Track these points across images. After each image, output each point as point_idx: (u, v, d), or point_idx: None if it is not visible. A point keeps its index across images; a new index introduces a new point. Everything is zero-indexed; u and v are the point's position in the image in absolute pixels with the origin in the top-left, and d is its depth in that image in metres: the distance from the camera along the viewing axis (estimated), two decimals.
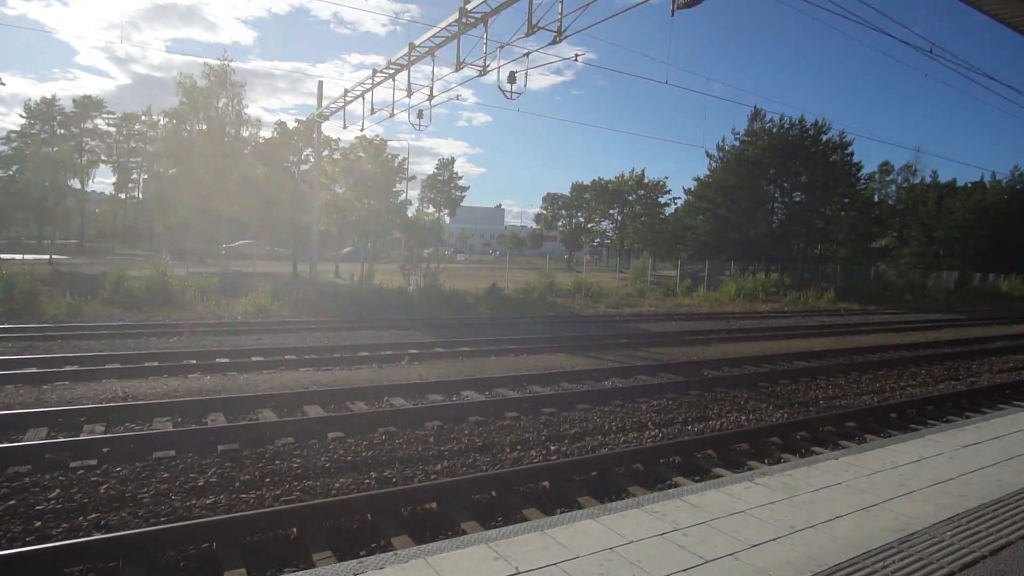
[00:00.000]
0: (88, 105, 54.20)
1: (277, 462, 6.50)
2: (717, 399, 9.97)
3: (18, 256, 29.71)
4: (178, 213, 31.33)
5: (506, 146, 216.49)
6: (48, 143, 49.31)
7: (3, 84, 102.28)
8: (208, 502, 5.51)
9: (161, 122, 36.33)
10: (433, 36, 15.23)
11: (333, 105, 23.09)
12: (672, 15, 9.22)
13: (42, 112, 53.35)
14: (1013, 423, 6.80)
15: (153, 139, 38.56)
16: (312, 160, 27.14)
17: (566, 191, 63.53)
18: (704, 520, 3.69)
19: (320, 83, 24.86)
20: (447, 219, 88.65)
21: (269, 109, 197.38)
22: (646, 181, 55.83)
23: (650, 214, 54.42)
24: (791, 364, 13.38)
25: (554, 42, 11.45)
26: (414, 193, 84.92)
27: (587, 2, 10.75)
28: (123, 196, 58.99)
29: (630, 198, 56.20)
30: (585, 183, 61.36)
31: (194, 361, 11.09)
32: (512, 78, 12.93)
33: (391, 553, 3.40)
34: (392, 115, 18.82)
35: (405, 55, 16.48)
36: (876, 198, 59.10)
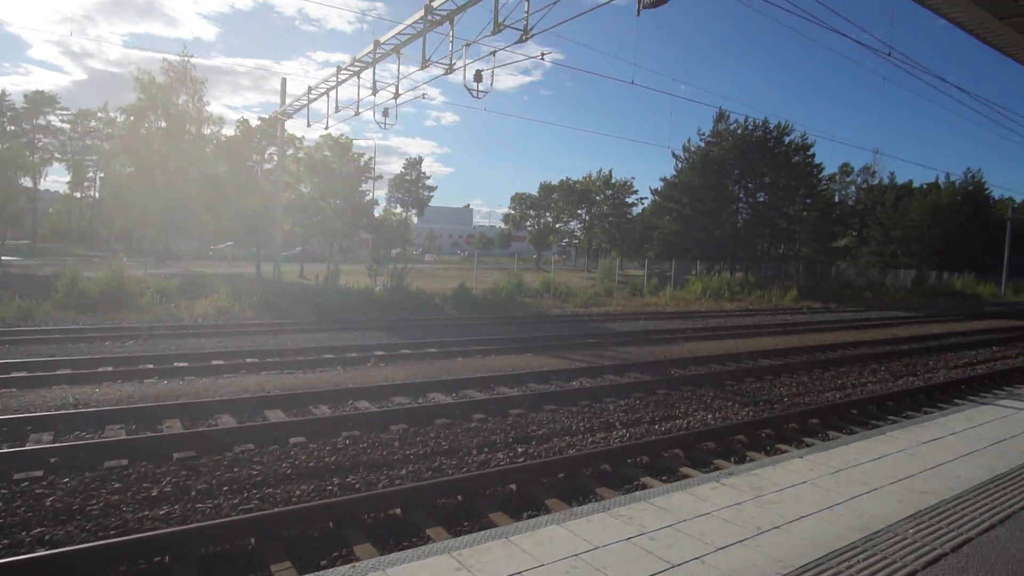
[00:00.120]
0: (40, 101, 52.36)
1: (236, 469, 6.29)
2: (684, 398, 10.01)
3: None
4: (136, 213, 30.42)
5: (474, 146, 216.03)
6: None
7: None
8: (162, 513, 5.29)
9: (118, 119, 35.37)
10: (398, 33, 15.03)
11: (297, 103, 22.67)
12: (638, 15, 9.23)
13: None
14: (969, 419, 6.94)
15: (110, 136, 37.48)
16: (276, 159, 26.60)
17: (534, 191, 63.62)
18: (671, 523, 3.64)
19: (283, 80, 24.37)
20: (415, 219, 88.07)
21: (232, 107, 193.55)
22: (613, 181, 56.23)
23: (617, 214, 54.77)
24: (756, 362, 13.54)
25: (520, 41, 11.38)
26: (381, 193, 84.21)
27: (553, 1, 10.72)
28: (78, 195, 57.18)
29: (598, 198, 56.52)
30: (553, 183, 61.57)
31: (151, 365, 10.74)
32: (478, 77, 12.82)
33: (349, 566, 3.28)
34: (357, 113, 18.54)
35: (370, 52, 16.23)
36: (836, 198, 60.57)
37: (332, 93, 19.58)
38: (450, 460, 6.90)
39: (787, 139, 42.23)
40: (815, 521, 3.80)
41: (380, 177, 46.48)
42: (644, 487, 6.25)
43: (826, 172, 48.67)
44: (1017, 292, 52.23)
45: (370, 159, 28.81)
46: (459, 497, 5.81)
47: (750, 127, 41.92)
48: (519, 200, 64.45)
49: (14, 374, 9.67)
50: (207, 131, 35.80)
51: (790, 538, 3.54)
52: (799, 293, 34.87)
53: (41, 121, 53.21)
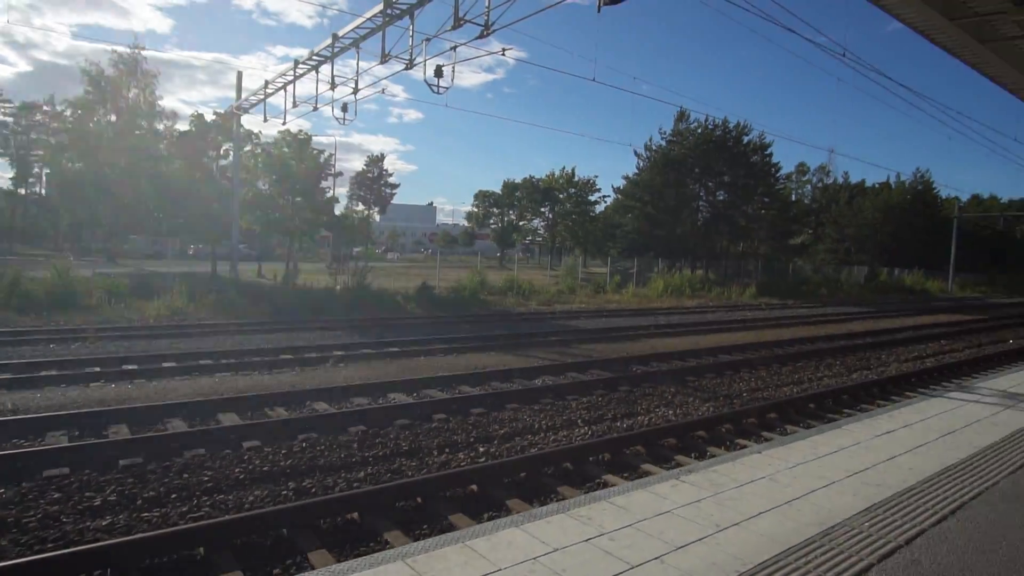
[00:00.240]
0: None
1: (186, 476, 6.06)
2: (646, 394, 10.05)
3: None
4: (85, 210, 29.33)
5: (438, 143, 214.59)
6: None
7: None
8: (105, 523, 5.04)
9: (66, 113, 34.01)
10: (357, 27, 14.76)
11: (253, 97, 22.13)
12: (599, 11, 9.21)
13: None
14: (920, 411, 7.11)
15: (57, 131, 36.00)
16: (232, 155, 25.93)
17: (498, 189, 63.55)
18: (631, 522, 3.60)
19: (239, 74, 23.61)
20: (377, 217, 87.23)
21: (188, 102, 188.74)
22: (576, 179, 56.51)
23: (581, 212, 55.04)
24: (716, 358, 13.70)
25: (481, 36, 11.27)
26: (342, 190, 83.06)
27: None
28: (23, 192, 54.91)
29: (561, 196, 56.72)
30: (516, 181, 61.57)
31: (97, 368, 10.31)
32: (439, 72, 12.67)
33: (302, 575, 3.14)
34: (315, 108, 18.16)
35: (328, 46, 15.92)
36: (793, 197, 61.93)
37: (290, 88, 19.16)
38: (410, 461, 6.77)
39: (746, 139, 43.00)
40: (774, 517, 3.81)
41: (340, 174, 45.81)
42: (606, 485, 6.23)
43: (783, 171, 49.77)
44: (963, 288, 54.29)
45: (330, 156, 28.33)
46: (419, 499, 5.69)
47: (710, 127, 42.57)
48: (482, 198, 64.30)
49: None
50: (160, 126, 34.74)
51: (749, 535, 3.53)
52: (758, 290, 35.56)
53: None
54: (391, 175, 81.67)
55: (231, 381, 10.04)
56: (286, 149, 26.90)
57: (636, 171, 44.73)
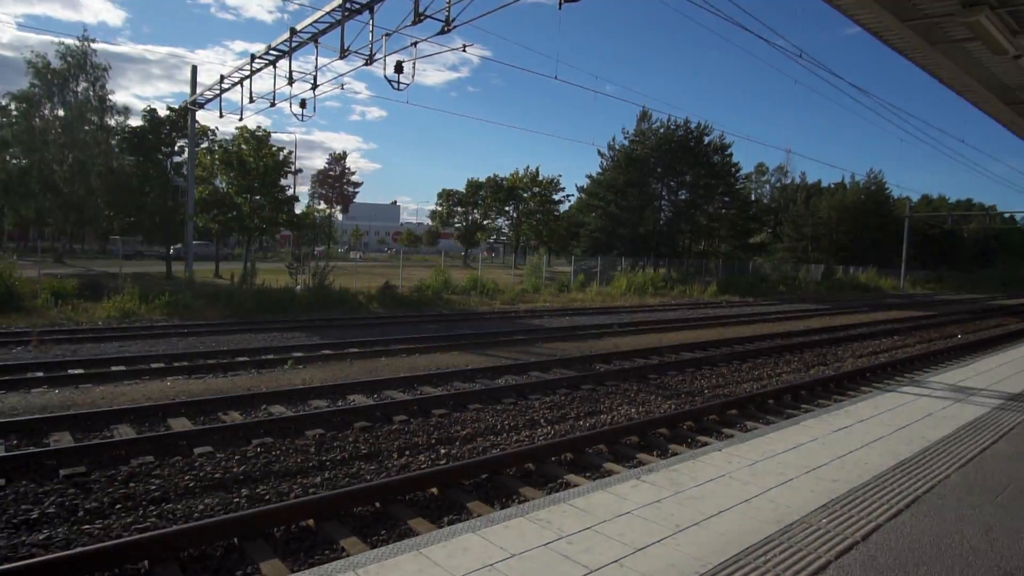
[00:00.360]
0: None
1: (132, 485, 5.81)
2: (608, 393, 10.05)
3: None
4: (30, 208, 28.17)
5: (402, 141, 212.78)
6: None
7: None
8: (41, 538, 4.78)
9: (11, 107, 32.60)
10: (316, 21, 14.45)
11: (209, 92, 21.54)
12: (559, 8, 9.17)
13: None
14: (875, 406, 7.24)
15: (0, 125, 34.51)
16: (187, 152, 25.18)
17: (462, 188, 63.26)
18: (590, 525, 3.54)
19: (193, 68, 22.89)
20: (340, 216, 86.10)
21: (142, 97, 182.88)
22: (541, 178, 56.54)
23: (545, 211, 55.08)
24: (678, 355, 13.81)
25: (442, 32, 11.12)
26: (304, 189, 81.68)
27: None
28: None
29: (525, 195, 56.72)
30: (480, 180, 61.38)
31: (40, 373, 9.87)
32: (399, 68, 12.46)
33: None
34: (273, 104, 17.74)
35: (286, 40, 15.55)
36: (753, 197, 63.16)
37: (247, 83, 18.67)
38: (369, 465, 6.63)
39: (707, 139, 43.66)
40: (733, 516, 3.79)
41: (300, 171, 44.97)
42: (568, 485, 6.18)
43: (743, 171, 50.74)
44: (914, 285, 56.17)
45: (289, 153, 27.71)
46: (377, 504, 5.55)
47: (672, 127, 43.07)
48: (446, 197, 63.93)
49: None
50: (111, 121, 33.63)
51: (709, 535, 3.50)
52: (719, 287, 36.12)
53: None
54: (354, 173, 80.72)
55: (184, 385, 9.72)
56: (244, 146, 26.26)
57: (600, 170, 45.10)
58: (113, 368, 10.47)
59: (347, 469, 6.48)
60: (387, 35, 12.66)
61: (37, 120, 30.22)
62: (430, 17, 11.03)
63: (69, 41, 31.14)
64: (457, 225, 63.05)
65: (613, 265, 37.74)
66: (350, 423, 7.95)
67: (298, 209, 30.93)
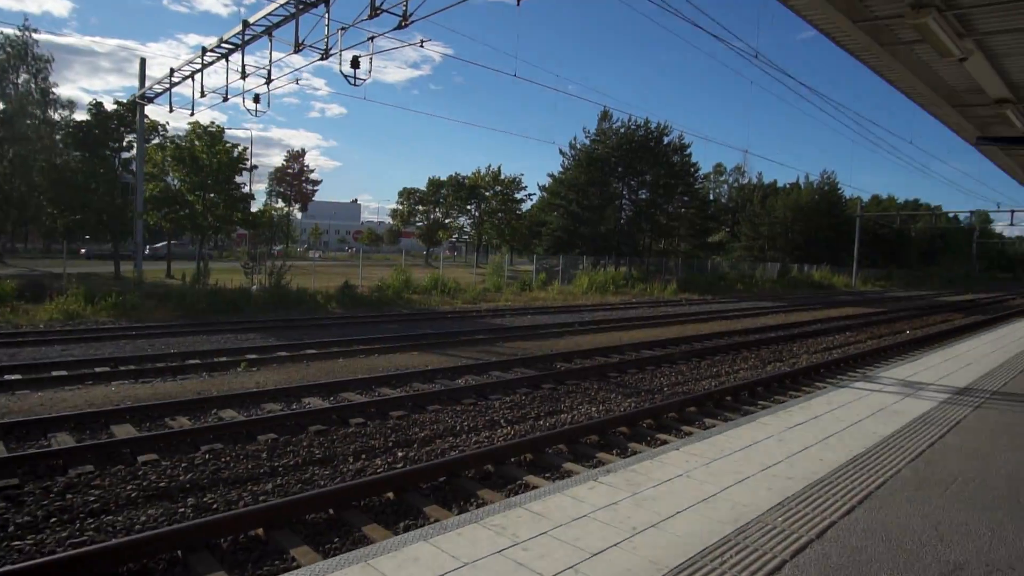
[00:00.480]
0: None
1: (69, 496, 5.51)
2: (569, 392, 10.02)
3: None
4: None
5: (362, 139, 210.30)
6: None
7: None
8: None
9: None
10: (270, 14, 14.06)
11: (159, 86, 20.81)
12: (518, 4, 9.08)
13: None
14: (829, 402, 7.35)
15: None
16: (136, 147, 24.28)
17: (424, 186, 62.75)
18: (546, 530, 3.46)
19: (142, 60, 21.98)
20: (299, 214, 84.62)
21: (90, 90, 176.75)
22: (503, 177, 56.50)
23: (507, 210, 55.08)
24: (639, 353, 13.88)
25: (400, 27, 10.91)
26: (261, 186, 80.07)
27: None
28: None
29: (487, 194, 56.60)
30: (442, 178, 60.99)
31: None
32: (355, 63, 12.21)
33: None
34: (226, 99, 17.22)
35: (238, 33, 15.11)
36: (711, 196, 64.31)
37: (198, 77, 18.11)
38: (323, 470, 6.44)
39: (666, 139, 44.15)
40: (690, 516, 3.76)
41: (255, 168, 43.97)
42: (528, 486, 6.11)
43: (702, 171, 51.55)
44: (865, 282, 57.94)
45: (244, 149, 27.01)
46: (330, 511, 5.39)
47: (633, 127, 43.44)
48: (407, 195, 63.34)
49: None
50: (55, 115, 32.29)
51: (666, 537, 3.45)
52: (679, 286, 36.60)
53: None
54: (313, 171, 79.28)
55: (129, 389, 9.33)
56: (197, 142, 25.49)
57: (561, 170, 45.19)
58: (54, 373, 10.01)
59: (300, 475, 6.28)
60: (343, 29, 12.39)
61: None
62: (387, 11, 10.82)
63: (8, 30, 29.85)
64: (419, 224, 62.54)
65: (575, 264, 37.91)
66: (305, 427, 7.74)
67: (255, 207, 30.23)
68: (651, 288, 34.80)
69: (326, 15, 12.68)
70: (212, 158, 25.19)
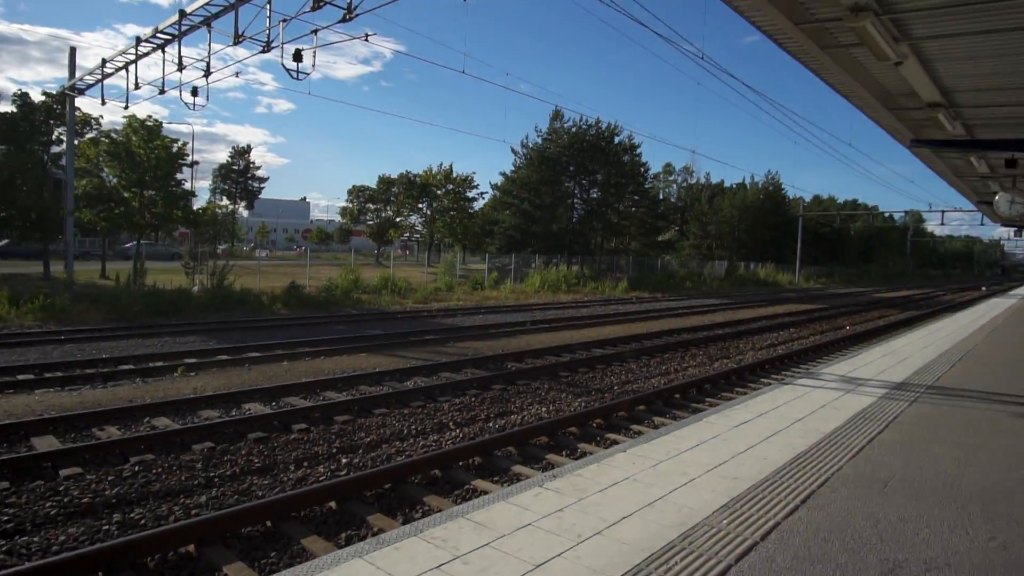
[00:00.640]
0: None
1: None
2: (519, 392, 9.94)
3: None
4: None
5: (312, 136, 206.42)
6: None
7: None
8: None
9: None
10: (208, 3, 13.50)
11: (90, 77, 19.81)
12: (465, 0, 8.91)
13: None
14: (773, 400, 7.45)
15: None
16: (66, 141, 23.07)
17: (374, 184, 61.77)
18: (489, 541, 3.33)
19: (72, 49, 20.83)
20: (245, 212, 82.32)
21: (19, 81, 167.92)
22: (455, 175, 56.11)
23: (459, 208, 54.73)
24: (589, 352, 13.91)
25: (344, 20, 10.61)
26: (204, 183, 77.58)
27: None
28: None
29: (439, 192, 56.11)
30: (393, 176, 60.17)
31: None
32: (298, 56, 11.83)
33: None
34: (163, 92, 16.47)
35: (175, 23, 14.47)
36: (661, 196, 65.31)
37: (132, 68, 17.29)
38: (263, 480, 6.18)
39: (617, 139, 44.61)
40: (636, 522, 3.69)
41: (197, 164, 42.48)
42: (476, 491, 5.98)
43: (652, 171, 52.33)
44: (808, 280, 59.90)
45: (184, 144, 26.00)
46: (268, 523, 5.15)
47: (584, 126, 43.73)
48: (357, 193, 62.27)
49: None
50: None
51: (611, 544, 3.38)
52: (629, 284, 37.04)
53: None
54: (259, 168, 76.91)
55: (54, 398, 8.81)
56: (133, 136, 24.40)
57: (513, 168, 45.14)
58: None
59: (237, 485, 6.01)
60: (285, 21, 11.99)
61: None
62: (331, 3, 10.51)
63: None
64: (369, 223, 61.57)
65: (527, 262, 37.95)
66: (244, 434, 7.43)
67: (197, 205, 29.17)
68: (603, 286, 35.10)
69: (267, 6, 12.26)
70: (150, 153, 24.16)
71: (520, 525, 3.55)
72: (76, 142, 25.30)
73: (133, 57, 16.74)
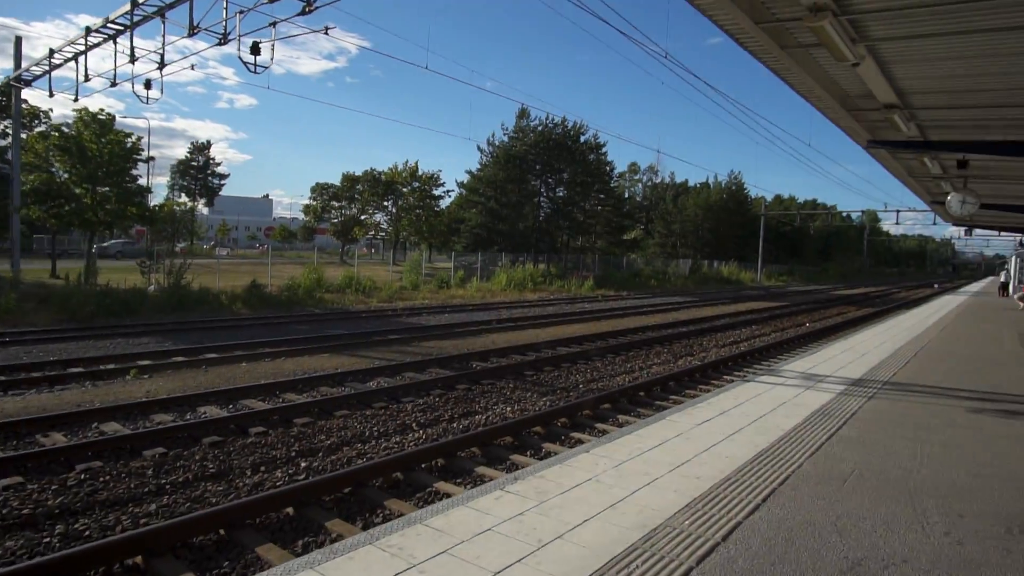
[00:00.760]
0: None
1: None
2: (484, 392, 9.85)
3: None
4: None
5: (275, 132, 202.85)
6: None
7: None
8: None
9: None
10: None
11: (37, 68, 19.04)
12: None
13: None
14: (735, 397, 7.51)
15: None
16: (12, 134, 22.15)
17: (338, 182, 60.82)
18: (447, 548, 3.24)
19: (17, 39, 19.97)
20: (205, 210, 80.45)
21: None
22: (420, 173, 55.64)
23: (425, 206, 54.29)
24: (555, 350, 13.89)
25: (304, 12, 10.37)
26: (162, 180, 75.51)
27: None
28: None
29: (404, 190, 55.58)
30: (357, 173, 59.36)
31: None
32: (256, 49, 11.51)
33: None
34: (114, 84, 15.89)
35: (127, 13, 13.97)
36: (627, 195, 65.89)
37: (81, 59, 16.66)
38: (217, 486, 5.96)
39: (583, 138, 44.77)
40: (597, 524, 3.64)
41: (153, 159, 41.30)
42: (438, 493, 5.88)
43: (617, 170, 52.69)
44: (769, 277, 61.10)
45: (139, 139, 25.21)
46: (221, 531, 4.97)
47: (550, 125, 43.76)
48: (321, 191, 61.28)
49: None
50: None
51: (572, 548, 3.31)
52: (595, 282, 37.23)
53: None
54: (220, 164, 75.23)
55: None
56: (84, 130, 23.56)
57: (480, 166, 44.96)
58: None
59: (190, 492, 5.80)
60: (242, 12, 11.66)
61: None
62: None
63: None
64: (333, 220, 60.67)
65: (494, 261, 37.85)
66: (198, 439, 7.19)
67: (154, 201, 28.32)
68: (568, 285, 35.19)
69: None
70: (102, 148, 23.35)
71: (480, 530, 3.46)
72: (23, 135, 24.35)
73: (83, 48, 16.09)
